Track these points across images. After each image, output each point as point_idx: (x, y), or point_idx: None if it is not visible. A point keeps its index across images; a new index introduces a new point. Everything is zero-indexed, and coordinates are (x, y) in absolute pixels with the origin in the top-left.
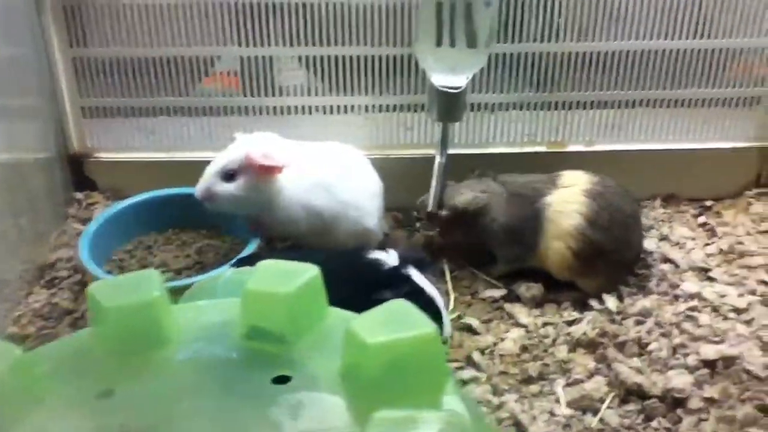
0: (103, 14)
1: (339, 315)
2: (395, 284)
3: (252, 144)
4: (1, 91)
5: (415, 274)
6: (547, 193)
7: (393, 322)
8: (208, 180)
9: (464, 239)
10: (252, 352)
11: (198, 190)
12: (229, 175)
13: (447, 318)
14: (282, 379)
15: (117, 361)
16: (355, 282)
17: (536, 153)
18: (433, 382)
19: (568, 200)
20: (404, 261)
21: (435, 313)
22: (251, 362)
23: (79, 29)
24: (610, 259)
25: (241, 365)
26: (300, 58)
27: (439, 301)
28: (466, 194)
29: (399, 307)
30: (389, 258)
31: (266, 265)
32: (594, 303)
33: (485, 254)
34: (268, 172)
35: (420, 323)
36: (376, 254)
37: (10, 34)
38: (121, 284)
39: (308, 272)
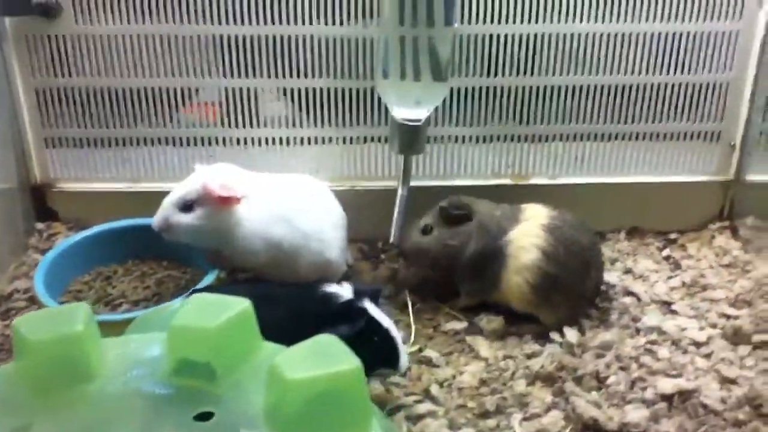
0: (66, 44)
1: (272, 349)
2: (350, 318)
3: (210, 175)
4: None
5: (371, 308)
6: (510, 229)
7: (317, 358)
8: (165, 210)
9: (431, 273)
10: (178, 388)
11: (155, 220)
12: (186, 206)
13: (404, 352)
14: (205, 416)
15: (39, 395)
16: (308, 316)
17: (500, 186)
18: (357, 420)
19: (528, 234)
20: (359, 294)
21: (391, 348)
22: (176, 398)
23: (42, 59)
24: (569, 291)
25: (166, 401)
26: (271, 90)
27: (396, 334)
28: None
29: (326, 341)
30: (344, 291)
31: (197, 298)
32: (555, 336)
33: (450, 287)
34: (225, 203)
35: (344, 359)
36: (331, 288)
37: None
38: (48, 317)
39: (238, 305)
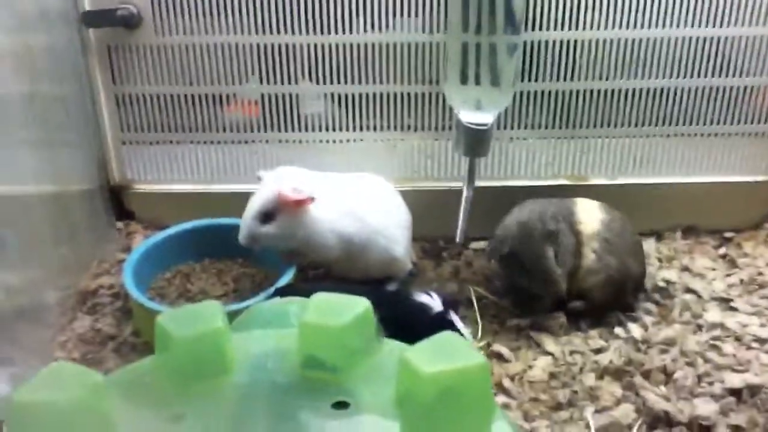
0: (145, 53)
1: (391, 345)
2: (440, 329)
3: (281, 181)
4: (49, 127)
5: (456, 320)
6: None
7: (444, 353)
8: (247, 225)
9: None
10: (309, 380)
11: (241, 237)
12: (266, 217)
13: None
14: (340, 405)
15: (183, 387)
16: (403, 325)
17: (561, 186)
18: (482, 411)
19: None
20: (446, 306)
21: None
22: (309, 389)
23: (123, 66)
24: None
25: (300, 392)
26: (326, 95)
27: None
28: None
29: (449, 338)
30: (434, 303)
31: (320, 297)
32: (619, 332)
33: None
34: (300, 205)
35: (470, 354)
36: (422, 298)
37: (56, 74)
38: (186, 314)
39: (360, 305)
